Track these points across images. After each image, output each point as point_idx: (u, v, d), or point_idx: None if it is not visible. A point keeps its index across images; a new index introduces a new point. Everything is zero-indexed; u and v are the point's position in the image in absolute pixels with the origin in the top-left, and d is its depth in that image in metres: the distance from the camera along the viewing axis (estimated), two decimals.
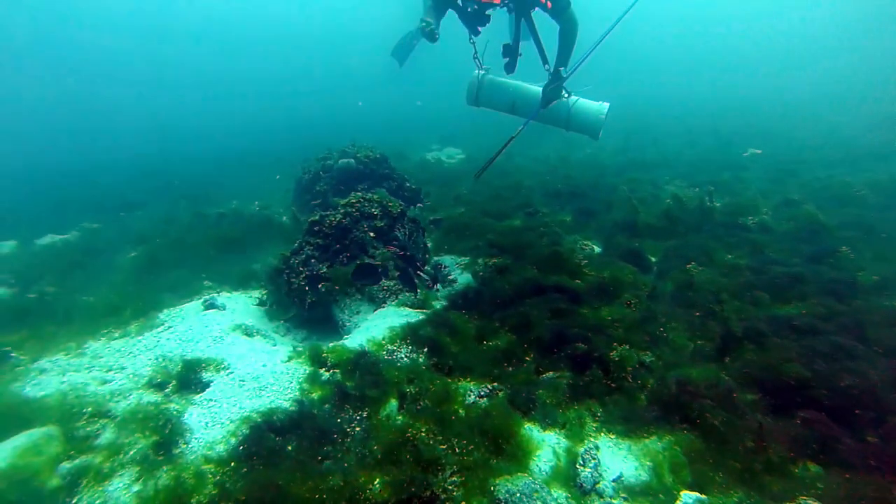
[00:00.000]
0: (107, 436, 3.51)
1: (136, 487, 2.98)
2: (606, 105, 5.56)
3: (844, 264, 5.08)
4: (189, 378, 3.93)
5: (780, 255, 5.61)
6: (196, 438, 3.30)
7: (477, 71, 5.76)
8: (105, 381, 4.18)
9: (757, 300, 4.52)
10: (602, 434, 3.26)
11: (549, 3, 4.97)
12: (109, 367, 4.40)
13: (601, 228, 7.38)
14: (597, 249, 6.67)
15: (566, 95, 5.48)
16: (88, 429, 3.59)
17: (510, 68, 5.61)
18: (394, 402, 3.55)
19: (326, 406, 3.56)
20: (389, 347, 4.32)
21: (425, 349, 4.31)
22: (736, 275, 5.09)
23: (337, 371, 3.97)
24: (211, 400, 3.65)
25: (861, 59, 32.32)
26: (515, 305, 4.95)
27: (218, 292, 5.80)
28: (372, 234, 5.76)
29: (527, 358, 4.08)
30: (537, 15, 5.21)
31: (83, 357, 4.66)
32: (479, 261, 6.30)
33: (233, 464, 2.98)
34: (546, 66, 5.33)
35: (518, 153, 14.27)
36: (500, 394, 3.66)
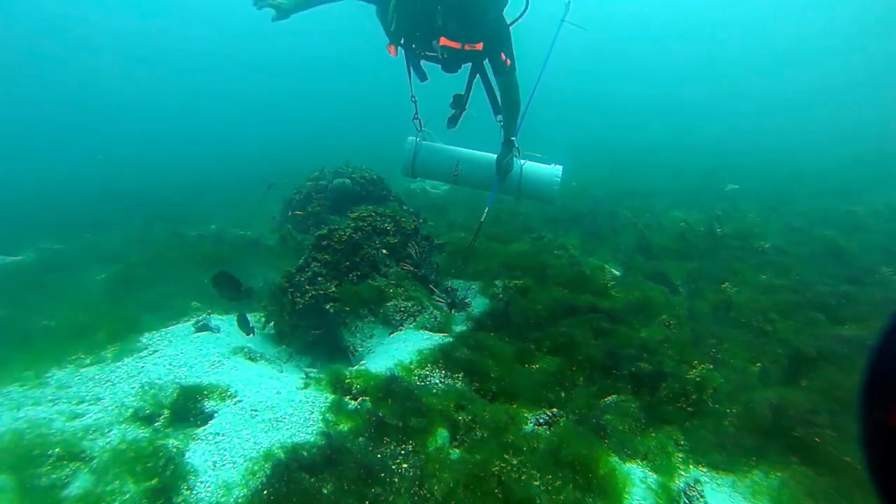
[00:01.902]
0: (81, 483, 2.80)
1: None
2: (560, 168, 5.37)
3: (890, 284, 4.91)
4: (187, 408, 3.26)
5: (811, 277, 5.42)
6: (203, 482, 2.64)
7: (412, 138, 5.41)
8: (75, 416, 3.44)
9: (811, 320, 4.24)
10: (692, 466, 2.80)
11: (509, 62, 4.59)
12: (81, 399, 3.66)
13: (615, 251, 7.11)
14: (615, 272, 6.35)
15: (522, 161, 5.30)
16: (55, 475, 2.86)
17: (453, 123, 5.18)
18: (442, 433, 3.00)
19: (360, 439, 2.97)
20: (420, 372, 3.78)
21: (461, 374, 3.79)
22: (777, 294, 4.84)
23: (366, 399, 3.39)
24: (218, 434, 3.00)
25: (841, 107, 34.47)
26: (551, 326, 4.53)
27: (209, 314, 5.10)
28: (384, 252, 5.26)
29: (577, 381, 3.63)
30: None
31: (45, 388, 3.89)
32: (497, 283, 5.87)
33: None
34: (498, 117, 5.07)
35: None
36: (562, 420, 3.17)
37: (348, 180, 8.29)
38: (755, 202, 10.75)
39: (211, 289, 6.00)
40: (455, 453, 2.85)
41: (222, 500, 2.52)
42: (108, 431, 3.22)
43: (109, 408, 3.49)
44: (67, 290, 6.46)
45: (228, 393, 3.38)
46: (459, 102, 5.02)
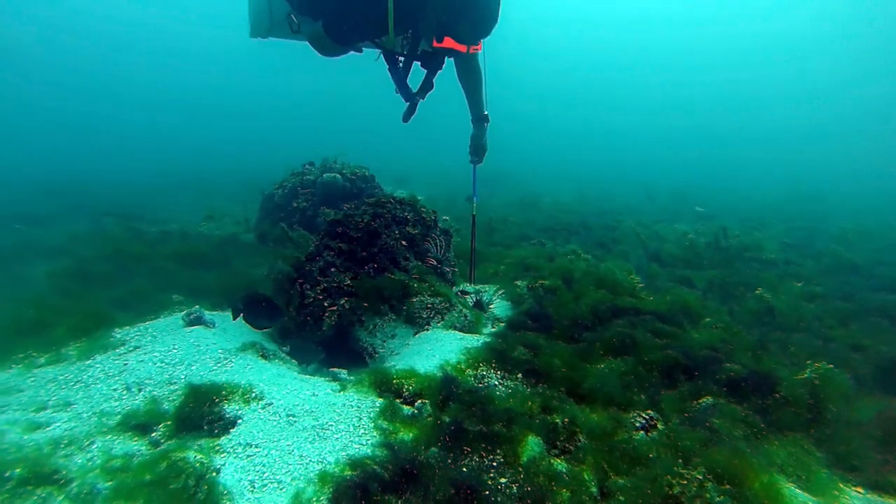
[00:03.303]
0: None
1: None
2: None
3: None
4: (199, 413, 2.52)
5: (839, 287, 5.33)
6: None
7: None
8: (36, 426, 2.61)
9: (877, 327, 4.04)
10: (843, 485, 2.38)
11: (480, 46, 4.11)
12: (40, 405, 2.81)
13: (625, 259, 6.84)
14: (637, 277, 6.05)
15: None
16: None
17: (409, 115, 4.61)
18: (533, 440, 2.44)
19: (433, 450, 2.36)
20: (474, 373, 3.21)
21: (519, 375, 3.26)
22: (825, 302, 4.66)
23: (425, 402, 2.77)
24: (249, 445, 2.29)
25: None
26: (601, 327, 4.10)
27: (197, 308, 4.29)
28: (404, 243, 4.68)
29: (654, 382, 3.19)
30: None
31: None
32: (519, 283, 5.40)
33: None
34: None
35: (480, 196, 13.87)
36: (659, 424, 2.69)
37: (339, 176, 7.65)
38: (734, 222, 10.97)
39: (193, 282, 5.18)
40: (560, 464, 2.29)
41: None
42: (89, 444, 2.42)
43: (85, 414, 2.67)
44: (8, 285, 5.38)
45: (253, 394, 2.66)
46: (421, 93, 4.47)
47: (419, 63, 4.29)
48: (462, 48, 3.69)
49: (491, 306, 5.11)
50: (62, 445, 2.41)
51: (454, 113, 4.77)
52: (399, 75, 4.21)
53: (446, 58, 4.26)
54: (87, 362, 3.26)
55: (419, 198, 6.55)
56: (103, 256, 6.08)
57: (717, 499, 1.67)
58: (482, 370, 3.27)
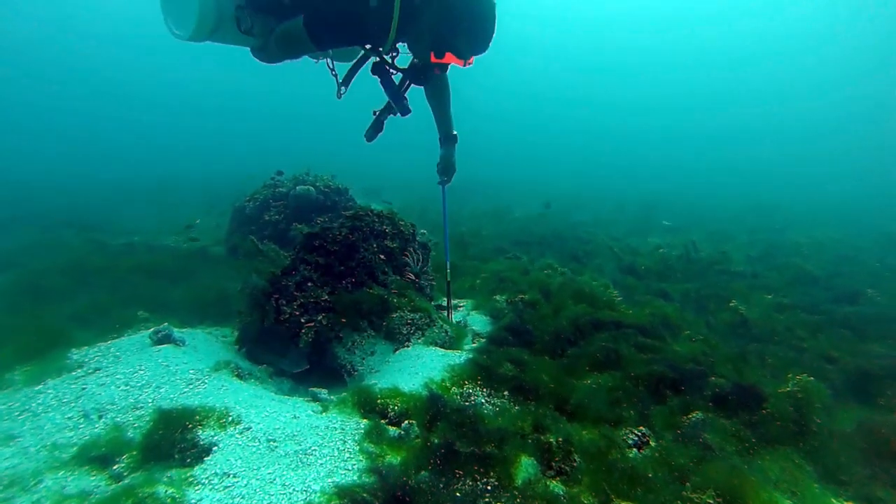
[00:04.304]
0: None
1: None
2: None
3: (885, 304, 5.06)
4: (169, 440, 2.32)
5: (803, 299, 5.50)
6: None
7: None
8: None
9: (842, 337, 4.16)
10: (834, 499, 2.39)
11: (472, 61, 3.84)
12: None
13: (600, 272, 6.90)
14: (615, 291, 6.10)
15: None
16: None
17: (374, 133, 4.52)
18: (526, 461, 2.35)
19: (423, 474, 2.24)
20: (459, 391, 3.11)
21: (505, 392, 3.18)
22: (792, 313, 4.78)
23: (412, 423, 2.65)
24: (227, 474, 2.11)
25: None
26: (583, 341, 4.07)
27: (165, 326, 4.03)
28: (382, 257, 4.55)
29: (642, 397, 3.16)
30: None
31: None
32: (498, 297, 5.35)
33: None
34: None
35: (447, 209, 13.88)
36: (651, 441, 2.66)
37: (312, 188, 7.46)
38: (700, 235, 11.30)
39: (160, 297, 4.90)
40: (557, 486, 2.21)
41: None
42: (35, 484, 2.18)
43: (32, 448, 2.42)
44: None
45: (230, 418, 2.48)
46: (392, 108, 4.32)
47: (404, 76, 4.14)
48: (461, 63, 3.60)
49: (466, 322, 5.03)
50: (8, 484, 2.17)
51: (422, 121, 4.62)
52: (393, 86, 4.06)
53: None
54: (37, 388, 2.99)
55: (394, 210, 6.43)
56: (58, 269, 5.70)
57: None
58: (468, 388, 3.17)
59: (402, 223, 4.90)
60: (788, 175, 29.19)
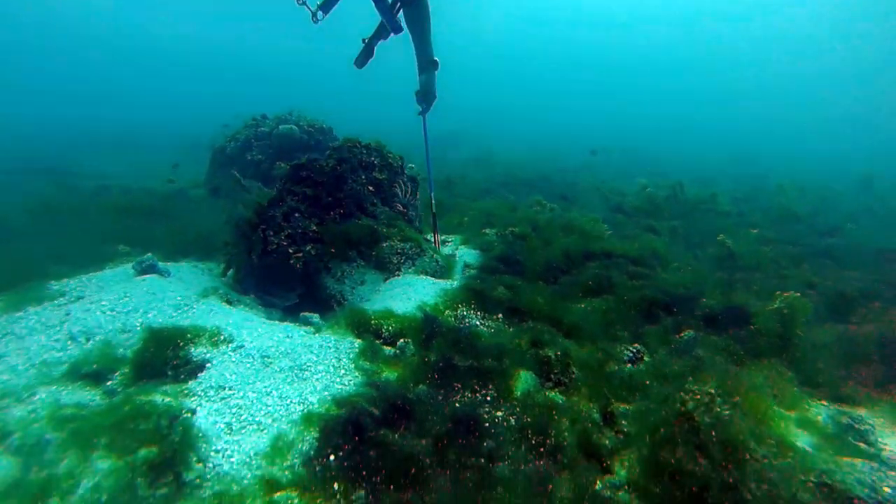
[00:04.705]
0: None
1: None
2: None
3: (863, 237, 5.16)
4: (161, 358, 2.27)
5: (787, 234, 5.58)
6: (220, 451, 1.76)
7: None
8: None
9: (822, 266, 4.25)
10: (814, 401, 2.47)
11: None
12: None
13: (590, 210, 6.88)
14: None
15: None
16: None
17: (361, 63, 4.39)
18: (525, 375, 2.37)
19: (421, 387, 2.24)
20: (453, 314, 3.11)
21: (500, 314, 3.18)
22: (776, 246, 4.85)
23: (407, 341, 2.64)
24: (222, 388, 2.08)
25: None
26: (576, 269, 4.08)
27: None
28: (371, 188, 4.43)
29: (635, 319, 3.20)
30: None
31: None
32: (488, 231, 5.31)
33: (337, 485, 1.57)
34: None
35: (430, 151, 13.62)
36: (645, 357, 2.70)
37: (295, 127, 7.18)
38: (685, 179, 11.32)
39: (141, 235, 4.74)
40: (557, 396, 2.23)
41: (257, 472, 1.68)
42: (29, 396, 2.13)
43: (21, 367, 2.35)
44: None
45: (222, 337, 2.43)
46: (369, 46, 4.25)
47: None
48: None
49: (454, 254, 5.00)
50: None
51: (403, 66, 4.37)
52: (387, 3, 3.84)
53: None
54: (17, 314, 2.88)
55: None
56: (25, 210, 5.45)
57: (726, 411, 1.65)
58: (462, 310, 3.17)
59: (391, 155, 4.74)
60: (773, 128, 29.22)
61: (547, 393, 2.26)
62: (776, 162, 16.49)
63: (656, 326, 3.02)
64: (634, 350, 2.72)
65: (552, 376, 2.35)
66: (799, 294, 2.90)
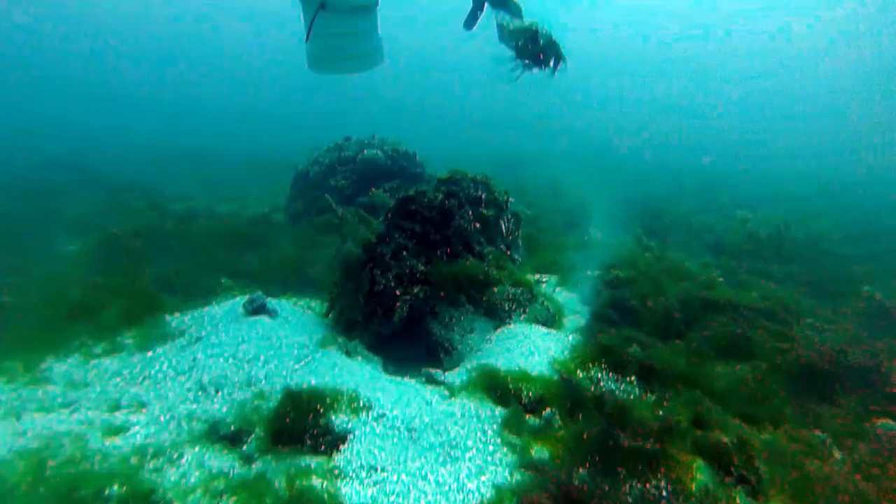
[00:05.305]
0: None
1: None
2: None
3: None
4: (299, 425, 2.14)
5: None
6: None
7: None
8: (114, 430, 2.24)
9: None
10: None
11: None
12: (113, 404, 2.46)
13: (686, 248, 6.45)
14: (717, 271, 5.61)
15: None
16: None
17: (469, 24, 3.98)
18: (699, 465, 2.06)
19: (581, 472, 1.98)
20: (585, 374, 2.84)
21: (632, 376, 2.88)
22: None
23: (554, 411, 2.40)
24: (373, 468, 1.92)
25: None
26: (699, 323, 3.73)
27: (244, 294, 3.90)
28: (477, 225, 4.26)
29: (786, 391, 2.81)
30: None
31: (45, 385, 2.63)
32: (589, 272, 5.01)
33: None
34: None
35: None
36: (835, 451, 2.31)
37: (380, 152, 7.19)
38: (779, 212, 10.53)
39: (237, 264, 4.78)
40: (743, 499, 1.92)
41: None
42: (178, 457, 2.05)
43: (162, 418, 2.30)
44: (36, 260, 4.98)
45: (360, 403, 2.28)
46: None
47: None
48: None
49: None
50: (149, 456, 2.05)
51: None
52: None
53: None
54: (149, 354, 2.89)
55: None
56: (135, 233, 5.66)
57: None
58: (594, 371, 2.90)
59: (497, 190, 4.56)
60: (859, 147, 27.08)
61: (733, 494, 1.95)
62: (874, 189, 15.06)
63: (836, 408, 2.62)
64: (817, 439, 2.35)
65: (732, 469, 2.04)
66: None
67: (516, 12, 3.46)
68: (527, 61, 3.09)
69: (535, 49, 2.98)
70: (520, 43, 3.03)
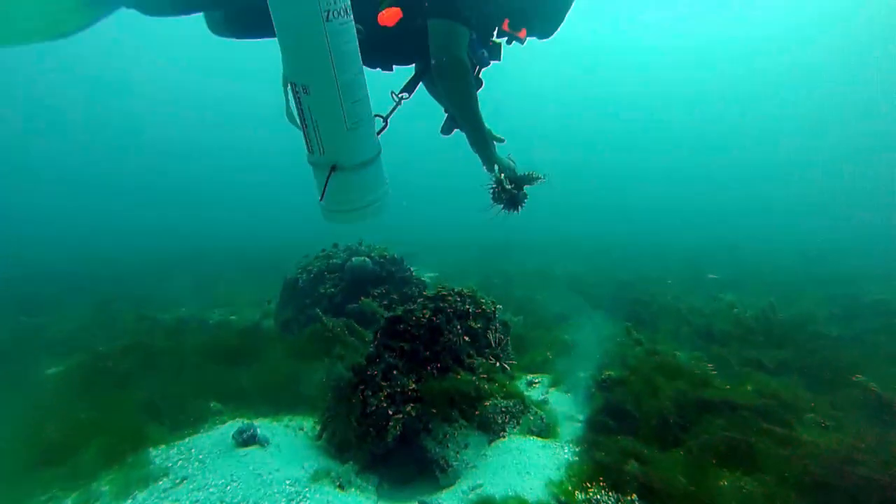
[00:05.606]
0: None
1: None
2: None
3: None
4: None
5: None
6: None
7: None
8: None
9: None
10: None
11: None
12: None
13: (676, 337, 6.48)
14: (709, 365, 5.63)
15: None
16: None
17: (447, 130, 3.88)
18: None
19: None
20: (585, 497, 2.75)
21: (634, 495, 2.79)
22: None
23: None
24: None
25: None
26: (696, 427, 3.66)
27: (234, 418, 3.79)
28: (466, 339, 4.29)
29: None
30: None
31: None
32: (580, 374, 4.98)
33: None
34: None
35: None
36: None
37: (368, 259, 7.35)
38: (760, 290, 10.74)
39: (227, 383, 4.69)
40: None
41: None
42: None
43: None
44: (12, 390, 4.83)
45: None
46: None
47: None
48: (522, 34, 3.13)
49: (542, 402, 4.65)
50: None
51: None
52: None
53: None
54: (127, 503, 2.73)
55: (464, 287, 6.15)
56: (122, 351, 5.57)
57: None
58: (593, 492, 2.80)
59: (484, 301, 4.65)
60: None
61: None
62: (863, 259, 15.36)
63: None
64: None
65: None
66: None
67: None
68: (501, 207, 3.24)
69: (507, 195, 3.15)
70: (493, 191, 3.20)
